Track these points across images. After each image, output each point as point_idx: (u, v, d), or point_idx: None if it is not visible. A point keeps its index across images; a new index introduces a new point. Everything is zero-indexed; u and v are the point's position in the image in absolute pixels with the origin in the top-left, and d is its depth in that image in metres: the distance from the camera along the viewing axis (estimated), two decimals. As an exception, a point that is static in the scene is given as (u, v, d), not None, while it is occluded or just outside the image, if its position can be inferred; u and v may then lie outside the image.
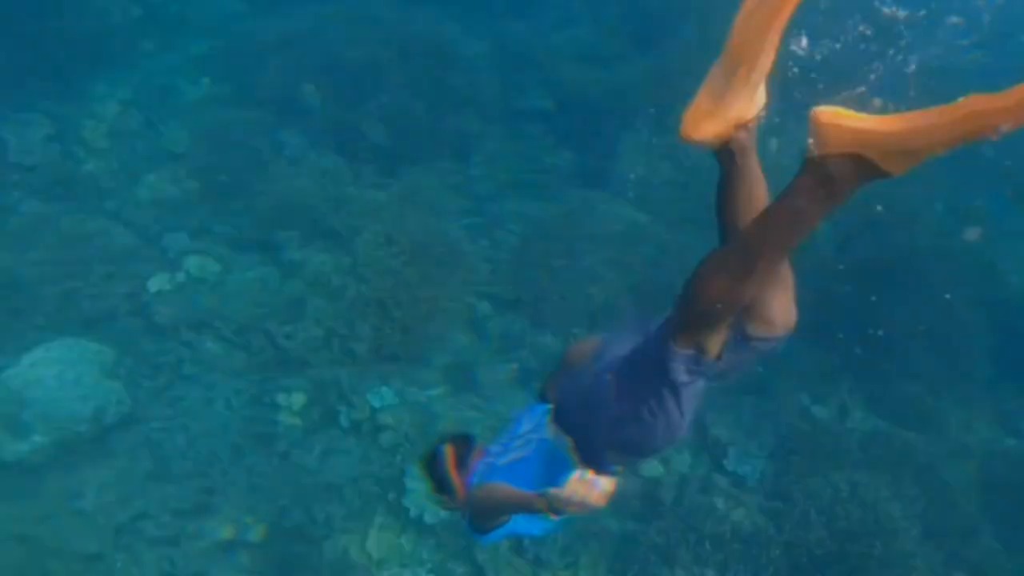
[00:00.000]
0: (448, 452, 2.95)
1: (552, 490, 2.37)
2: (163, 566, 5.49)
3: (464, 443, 3.00)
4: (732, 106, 2.24)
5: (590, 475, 2.34)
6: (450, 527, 5.76)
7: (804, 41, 2.26)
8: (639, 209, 7.36)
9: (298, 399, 6.27)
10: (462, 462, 2.93)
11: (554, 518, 2.50)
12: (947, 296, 6.80)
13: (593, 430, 2.67)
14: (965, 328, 7.15)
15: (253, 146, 7.43)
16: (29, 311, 6.22)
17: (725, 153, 2.32)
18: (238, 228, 7.04)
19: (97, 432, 5.87)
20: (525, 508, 2.58)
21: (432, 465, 2.97)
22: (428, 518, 5.84)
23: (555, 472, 2.55)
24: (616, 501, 2.34)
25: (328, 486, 5.89)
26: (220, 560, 5.53)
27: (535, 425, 2.88)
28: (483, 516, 2.79)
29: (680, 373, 2.41)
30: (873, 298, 6.26)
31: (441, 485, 2.92)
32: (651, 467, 6.29)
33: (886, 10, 2.77)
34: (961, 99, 1.91)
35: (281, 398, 6.26)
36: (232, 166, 7.23)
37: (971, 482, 6.53)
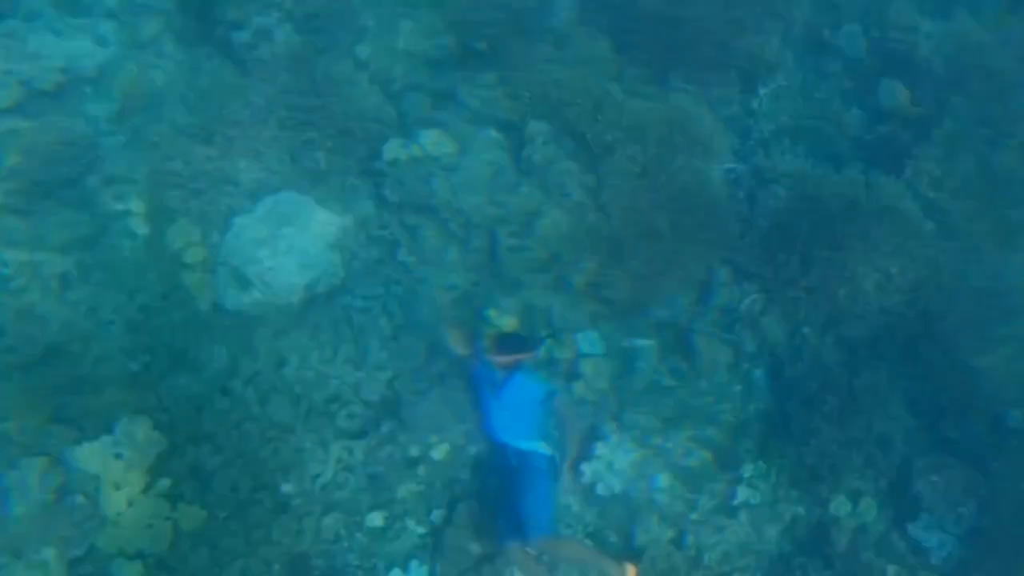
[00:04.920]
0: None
1: None
2: (344, 456, 5.63)
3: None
4: None
5: None
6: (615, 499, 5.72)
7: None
8: (929, 215, 6.27)
9: (507, 321, 5.99)
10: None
11: None
12: None
13: None
14: None
15: (516, 8, 6.44)
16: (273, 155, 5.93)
17: None
18: (485, 103, 6.34)
19: (309, 300, 5.80)
20: None
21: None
22: (600, 489, 5.78)
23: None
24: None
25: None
26: (399, 470, 5.62)
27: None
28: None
29: None
30: None
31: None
32: (837, 503, 5.94)
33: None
34: None
35: (490, 314, 6.00)
36: (490, 29, 6.35)
37: None
